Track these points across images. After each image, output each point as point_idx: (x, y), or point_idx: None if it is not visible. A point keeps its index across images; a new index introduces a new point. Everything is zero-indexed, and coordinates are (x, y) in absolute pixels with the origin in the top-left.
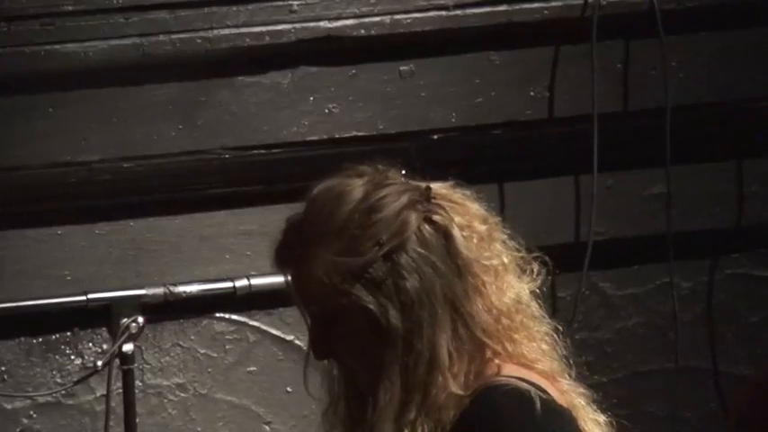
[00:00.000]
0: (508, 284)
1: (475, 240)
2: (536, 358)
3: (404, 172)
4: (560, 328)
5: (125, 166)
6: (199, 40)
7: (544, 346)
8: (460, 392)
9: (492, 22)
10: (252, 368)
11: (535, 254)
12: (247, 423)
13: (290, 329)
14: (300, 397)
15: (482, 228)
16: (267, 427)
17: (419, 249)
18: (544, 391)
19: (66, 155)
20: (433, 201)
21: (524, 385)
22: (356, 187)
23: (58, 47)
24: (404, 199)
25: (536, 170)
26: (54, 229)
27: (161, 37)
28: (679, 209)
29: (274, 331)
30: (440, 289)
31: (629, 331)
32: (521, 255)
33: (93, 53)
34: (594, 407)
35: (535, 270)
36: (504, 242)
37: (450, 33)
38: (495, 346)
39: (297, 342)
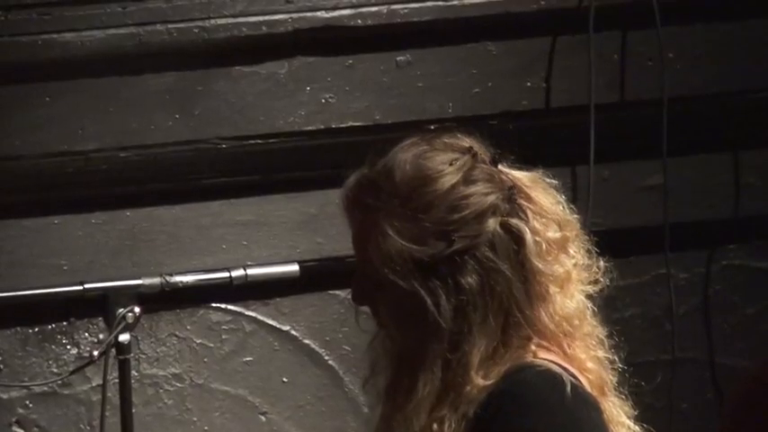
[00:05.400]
0: (571, 294)
1: (544, 247)
2: (591, 368)
3: (493, 157)
4: (614, 335)
5: (122, 155)
6: (196, 30)
7: (600, 355)
8: (489, 383)
9: (489, 13)
10: (248, 358)
11: (602, 261)
12: (243, 413)
13: (286, 320)
14: (296, 387)
15: (556, 236)
16: (263, 417)
17: (488, 254)
18: (578, 380)
19: (63, 144)
20: (515, 201)
21: (557, 368)
22: (446, 175)
23: (55, 36)
24: (487, 201)
25: (532, 161)
26: (51, 219)
27: (158, 26)
28: (676, 200)
29: (270, 321)
30: (499, 292)
31: (626, 322)
32: (588, 260)
33: (91, 42)
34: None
35: (599, 274)
36: (575, 246)
37: (447, 23)
38: (550, 348)
39: (293, 332)
